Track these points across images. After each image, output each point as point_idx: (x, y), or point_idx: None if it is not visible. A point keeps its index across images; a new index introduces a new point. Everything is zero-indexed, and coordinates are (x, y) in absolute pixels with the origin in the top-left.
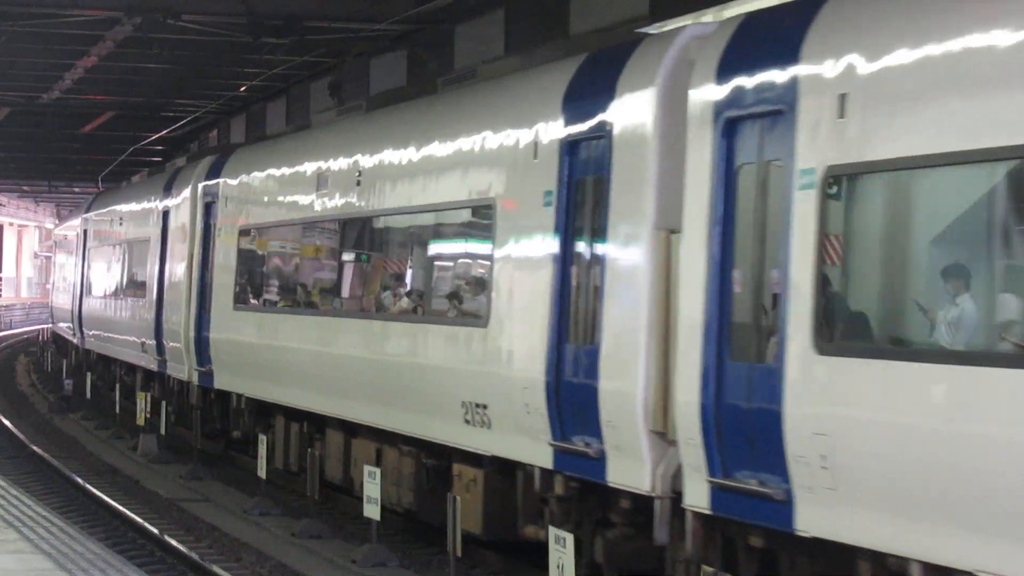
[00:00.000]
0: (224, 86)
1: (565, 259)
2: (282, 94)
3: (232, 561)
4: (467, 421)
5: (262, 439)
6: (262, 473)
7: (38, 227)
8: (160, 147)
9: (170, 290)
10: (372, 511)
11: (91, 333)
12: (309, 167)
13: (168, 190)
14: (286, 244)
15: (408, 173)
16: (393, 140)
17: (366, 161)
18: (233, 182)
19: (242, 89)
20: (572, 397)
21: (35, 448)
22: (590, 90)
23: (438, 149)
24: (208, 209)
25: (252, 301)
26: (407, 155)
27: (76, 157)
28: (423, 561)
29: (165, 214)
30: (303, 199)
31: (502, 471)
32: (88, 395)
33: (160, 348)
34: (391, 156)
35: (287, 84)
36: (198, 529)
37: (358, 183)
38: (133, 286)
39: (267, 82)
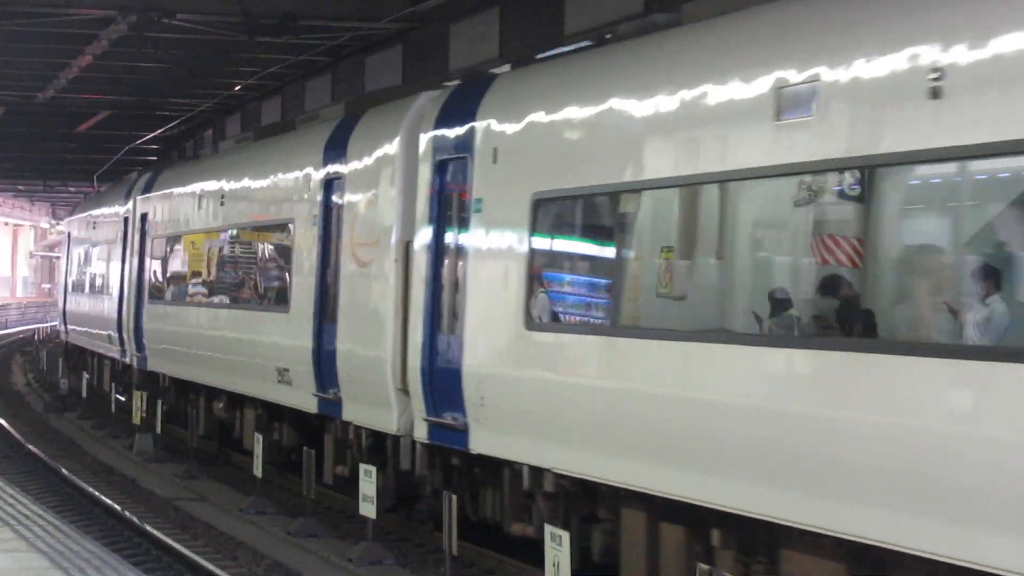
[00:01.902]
0: (219, 85)
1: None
2: (277, 93)
3: (228, 560)
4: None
5: (258, 438)
6: (258, 472)
7: (33, 226)
8: (155, 146)
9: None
10: (368, 510)
11: (157, 347)
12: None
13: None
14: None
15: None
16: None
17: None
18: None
19: (237, 88)
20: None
21: (31, 447)
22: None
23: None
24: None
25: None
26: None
27: (71, 156)
28: (419, 559)
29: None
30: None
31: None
32: (83, 394)
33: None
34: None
35: (282, 83)
36: (194, 528)
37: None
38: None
39: (262, 81)
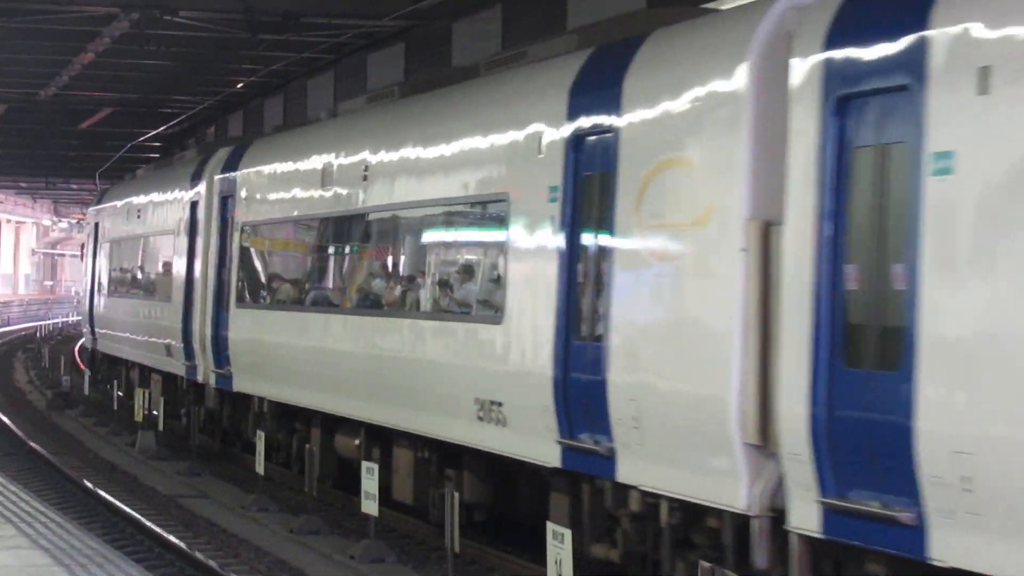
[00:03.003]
0: (221, 82)
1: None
2: (279, 90)
3: (230, 557)
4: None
5: (260, 435)
6: (260, 469)
7: (36, 224)
8: (158, 143)
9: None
10: (370, 507)
11: (249, 363)
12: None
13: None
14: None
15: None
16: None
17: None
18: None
19: (239, 85)
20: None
21: (33, 444)
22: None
23: None
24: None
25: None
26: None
27: (74, 154)
28: (421, 557)
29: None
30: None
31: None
32: (87, 391)
33: None
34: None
35: (284, 80)
36: (196, 525)
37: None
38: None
39: (264, 78)
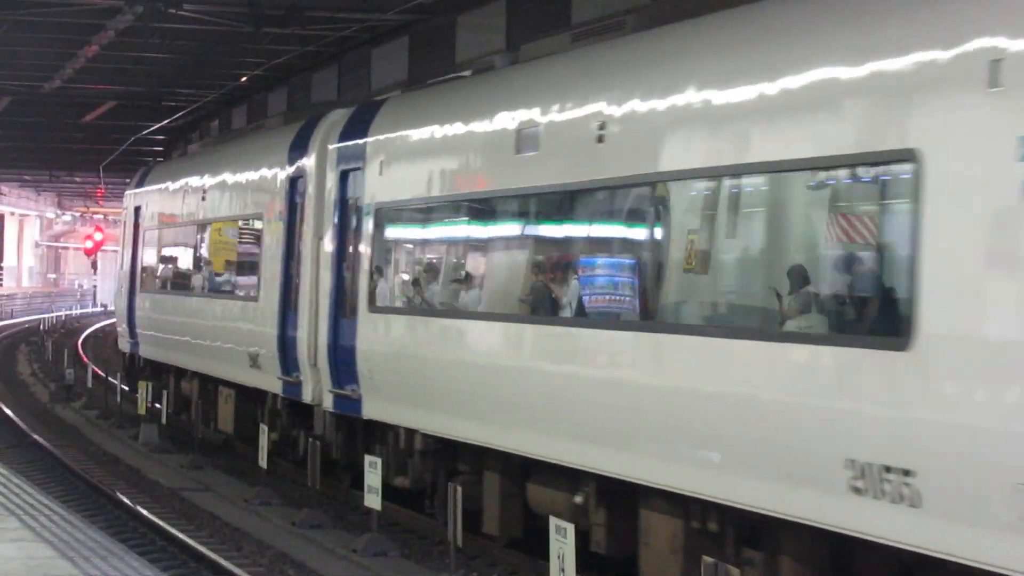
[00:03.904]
0: (225, 76)
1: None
2: (283, 84)
3: (233, 550)
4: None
5: (263, 429)
6: (263, 463)
7: (39, 216)
8: (161, 136)
9: None
10: (373, 501)
11: (394, 383)
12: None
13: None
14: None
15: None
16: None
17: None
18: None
19: (243, 79)
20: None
21: (36, 437)
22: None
23: None
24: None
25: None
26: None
27: (77, 146)
28: (423, 551)
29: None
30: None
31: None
32: (89, 384)
33: None
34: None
35: (288, 74)
36: (199, 518)
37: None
38: None
39: (268, 72)
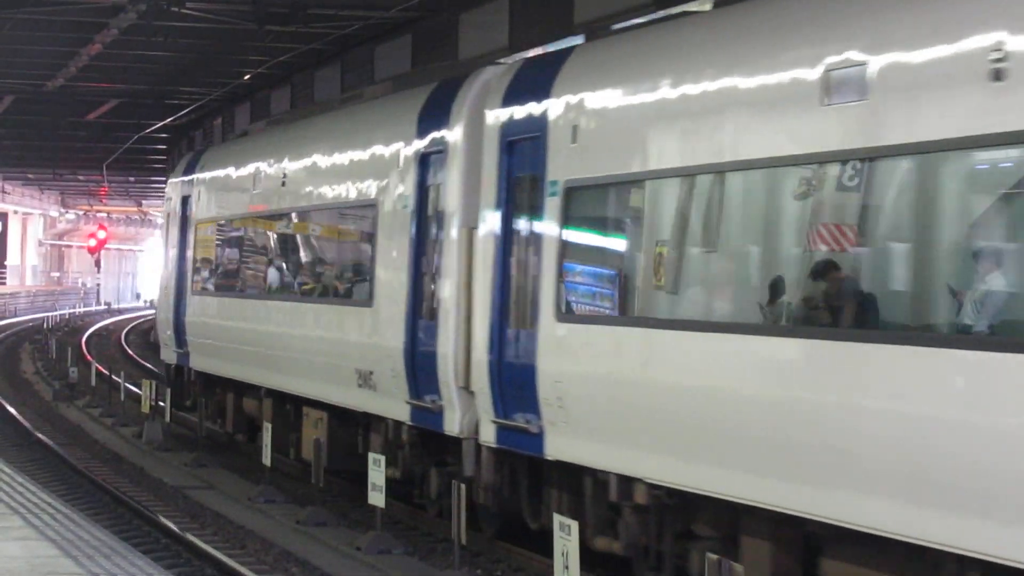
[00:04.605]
0: (228, 74)
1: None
2: (286, 81)
3: (237, 548)
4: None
5: (266, 427)
6: (267, 461)
7: (43, 215)
8: (164, 135)
9: None
10: (377, 499)
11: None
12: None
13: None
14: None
15: None
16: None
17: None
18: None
19: (246, 77)
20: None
21: (40, 435)
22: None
23: None
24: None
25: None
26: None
27: (81, 145)
28: (428, 548)
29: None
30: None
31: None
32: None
33: None
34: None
35: (291, 72)
36: (203, 516)
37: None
38: None
39: (271, 70)
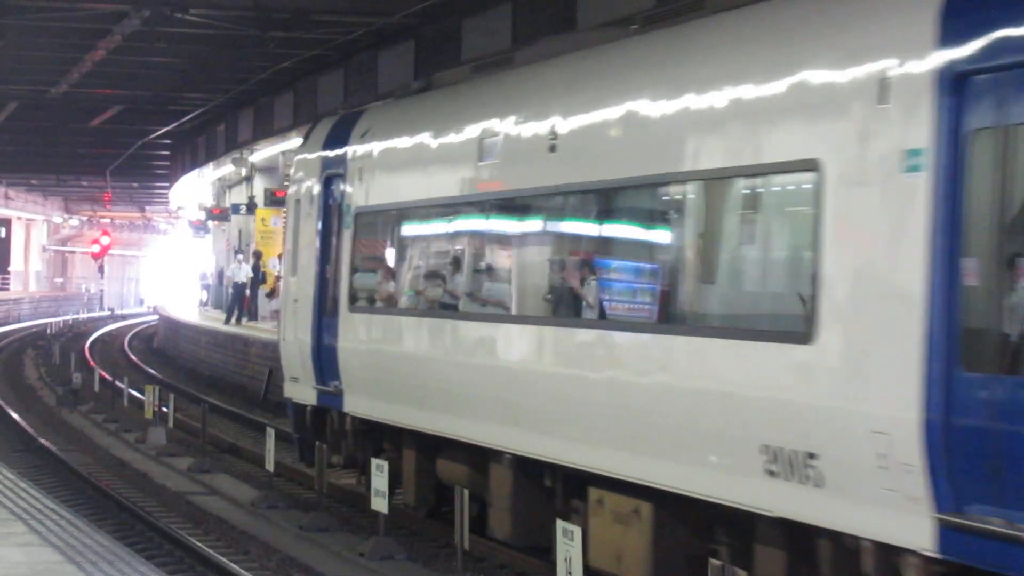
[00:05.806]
0: (231, 80)
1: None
2: (289, 88)
3: (240, 554)
4: None
5: (269, 432)
6: (270, 467)
7: (46, 221)
8: (167, 140)
9: None
10: (380, 504)
11: None
12: None
13: None
14: None
15: None
16: None
17: None
18: None
19: (250, 83)
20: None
21: (43, 441)
22: None
23: None
24: None
25: None
26: None
27: (84, 151)
28: (430, 554)
29: None
30: None
31: None
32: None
33: None
34: None
35: (294, 78)
36: (206, 522)
37: None
38: None
39: (274, 76)
